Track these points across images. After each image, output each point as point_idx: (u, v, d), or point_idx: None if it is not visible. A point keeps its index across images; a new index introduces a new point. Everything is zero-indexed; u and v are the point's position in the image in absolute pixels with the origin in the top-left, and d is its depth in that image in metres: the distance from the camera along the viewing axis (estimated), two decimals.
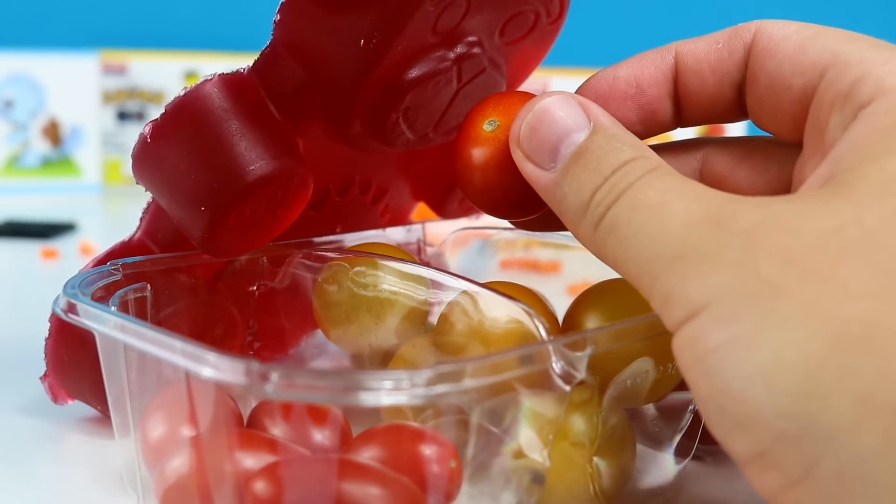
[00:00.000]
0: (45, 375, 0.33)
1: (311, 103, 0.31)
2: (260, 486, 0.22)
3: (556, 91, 0.25)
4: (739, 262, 0.20)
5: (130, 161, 0.30)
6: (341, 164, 0.35)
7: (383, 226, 0.39)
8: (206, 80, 0.29)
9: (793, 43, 0.24)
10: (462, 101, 0.32)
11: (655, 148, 0.28)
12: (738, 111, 0.26)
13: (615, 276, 0.30)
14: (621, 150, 0.23)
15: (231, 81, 0.29)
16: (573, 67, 0.79)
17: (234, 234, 0.30)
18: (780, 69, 0.24)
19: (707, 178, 0.27)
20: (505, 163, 0.26)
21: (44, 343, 0.33)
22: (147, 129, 0.29)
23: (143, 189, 0.31)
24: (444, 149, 0.37)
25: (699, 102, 0.26)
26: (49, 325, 0.33)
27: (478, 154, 0.26)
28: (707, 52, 0.26)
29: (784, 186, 0.26)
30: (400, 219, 0.41)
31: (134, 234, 0.33)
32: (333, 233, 0.36)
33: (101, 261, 0.32)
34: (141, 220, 0.33)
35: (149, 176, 0.30)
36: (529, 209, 0.27)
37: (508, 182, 0.26)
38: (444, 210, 0.41)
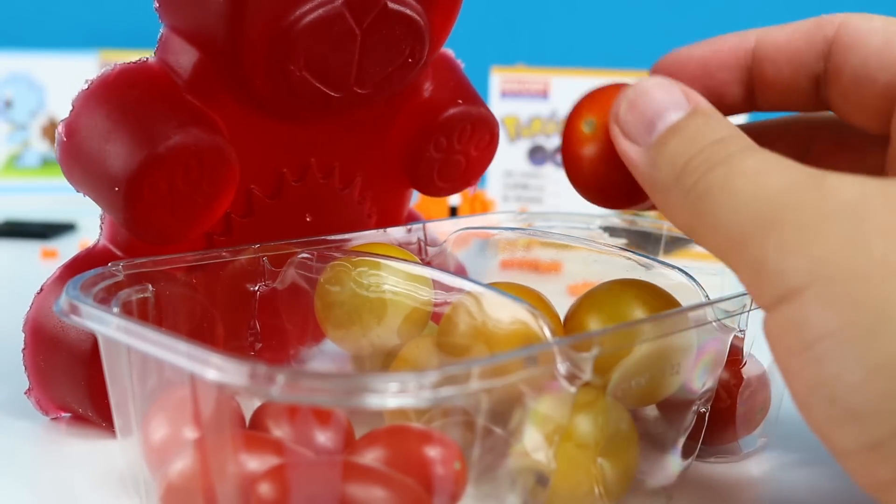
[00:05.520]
0: (29, 390, 0.33)
1: (214, 76, 0.31)
2: (265, 489, 0.22)
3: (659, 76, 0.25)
4: (848, 238, 0.19)
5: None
6: (287, 145, 0.35)
7: (367, 217, 0.38)
8: (107, 72, 0.30)
9: (879, 37, 0.24)
10: (378, 46, 0.32)
11: (759, 124, 0.28)
12: (813, 102, 0.26)
13: (617, 276, 0.31)
14: (718, 128, 0.23)
15: (135, 70, 0.31)
16: (573, 68, 0.79)
17: (158, 213, 0.30)
18: (866, 63, 0.24)
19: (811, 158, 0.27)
20: (609, 158, 0.26)
21: (21, 356, 0.33)
22: (61, 129, 0.31)
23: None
24: (402, 119, 0.37)
25: (774, 90, 0.26)
26: (23, 335, 0.33)
27: (581, 154, 0.27)
28: (788, 41, 0.26)
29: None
30: (387, 209, 0.40)
31: (98, 241, 0.34)
32: (303, 223, 0.36)
33: (69, 268, 0.33)
34: (101, 226, 0.34)
35: (73, 174, 0.31)
36: (637, 199, 0.28)
37: (615, 176, 0.27)
38: (428, 187, 0.39)
